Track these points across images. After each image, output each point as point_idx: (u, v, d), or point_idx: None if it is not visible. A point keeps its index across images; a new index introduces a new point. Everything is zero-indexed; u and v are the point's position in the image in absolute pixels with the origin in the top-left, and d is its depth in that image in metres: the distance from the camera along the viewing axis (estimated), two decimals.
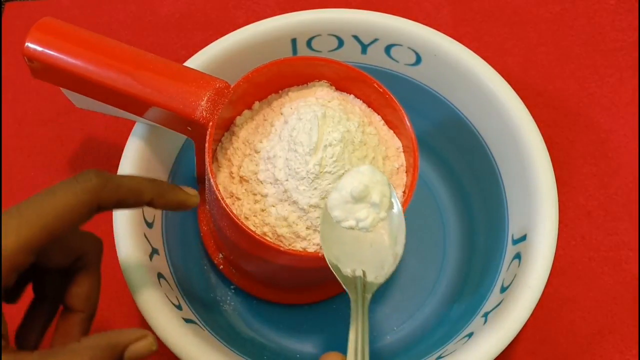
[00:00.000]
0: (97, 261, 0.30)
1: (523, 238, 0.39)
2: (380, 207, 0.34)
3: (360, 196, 0.33)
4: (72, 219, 0.26)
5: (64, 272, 0.30)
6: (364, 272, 0.32)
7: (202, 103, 0.36)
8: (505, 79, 0.42)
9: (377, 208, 0.34)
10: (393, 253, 0.33)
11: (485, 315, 0.38)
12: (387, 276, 0.32)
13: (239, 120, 0.39)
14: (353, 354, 0.28)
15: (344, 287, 0.31)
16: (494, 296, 0.39)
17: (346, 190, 0.33)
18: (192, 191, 0.32)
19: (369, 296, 0.31)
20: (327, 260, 0.32)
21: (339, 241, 0.33)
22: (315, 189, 0.35)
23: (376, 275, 0.32)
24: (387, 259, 0.33)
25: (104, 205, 0.27)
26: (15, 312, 0.30)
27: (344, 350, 0.29)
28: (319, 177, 0.34)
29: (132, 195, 0.29)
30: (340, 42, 0.44)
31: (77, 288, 0.30)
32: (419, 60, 0.44)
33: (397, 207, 0.34)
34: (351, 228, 0.34)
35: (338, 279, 0.31)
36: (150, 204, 0.30)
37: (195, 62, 0.41)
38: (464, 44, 0.43)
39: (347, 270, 0.32)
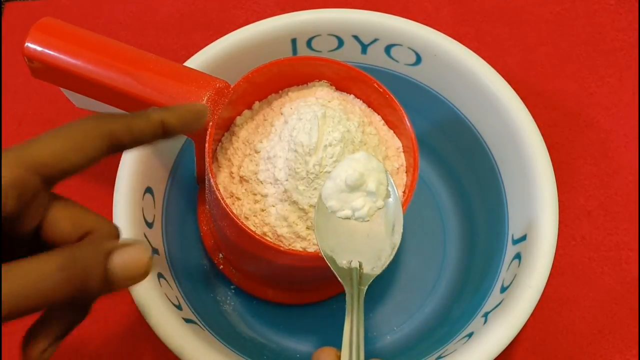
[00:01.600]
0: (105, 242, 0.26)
1: (523, 238, 0.39)
2: (377, 196, 0.33)
3: (355, 184, 0.32)
4: (83, 143, 0.24)
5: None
6: (360, 264, 0.31)
7: (202, 103, 0.36)
8: (505, 79, 0.42)
9: (373, 196, 0.33)
10: (390, 243, 0.32)
11: (485, 315, 0.38)
12: (384, 267, 0.31)
13: (239, 120, 0.39)
14: (348, 347, 0.27)
15: (339, 279, 0.30)
16: (494, 296, 0.39)
17: (341, 178, 0.32)
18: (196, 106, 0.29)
19: (364, 288, 0.30)
20: (321, 251, 0.31)
21: (334, 232, 0.32)
22: (315, 189, 0.35)
23: (373, 266, 0.31)
24: (384, 249, 0.32)
25: (116, 131, 0.25)
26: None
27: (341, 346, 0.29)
28: (319, 177, 0.34)
29: (140, 117, 0.26)
30: (340, 42, 0.44)
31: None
32: (419, 60, 0.44)
33: (394, 196, 0.33)
34: (347, 218, 0.33)
35: (333, 270, 0.31)
36: (167, 128, 0.27)
37: (195, 62, 0.41)
38: (464, 44, 0.43)
39: (342, 261, 0.31)
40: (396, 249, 0.32)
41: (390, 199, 0.33)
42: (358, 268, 0.31)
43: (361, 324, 0.28)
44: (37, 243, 0.25)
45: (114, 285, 0.23)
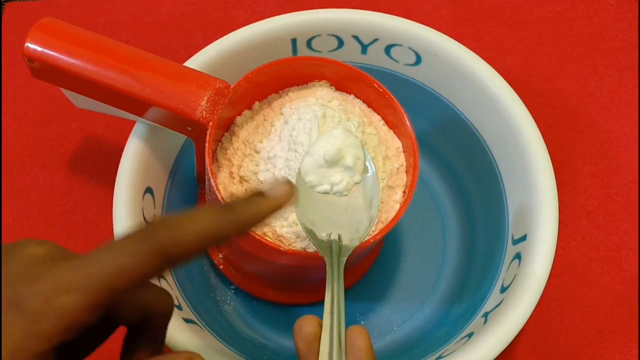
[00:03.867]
0: (163, 325, 0.27)
1: (523, 238, 0.39)
2: (355, 171, 0.34)
3: (333, 160, 0.33)
4: (136, 279, 0.23)
5: (135, 329, 0.27)
6: (339, 236, 0.32)
7: (202, 103, 0.36)
8: (505, 79, 0.42)
9: (351, 171, 0.34)
10: (368, 216, 0.33)
11: (485, 315, 0.38)
12: (363, 239, 0.32)
13: (239, 120, 0.39)
14: (329, 314, 0.28)
15: (319, 251, 0.31)
16: (494, 296, 0.39)
17: (319, 154, 0.33)
18: (280, 187, 0.27)
19: (344, 259, 0.31)
20: (301, 225, 0.32)
21: (313, 206, 0.33)
22: None
23: (352, 238, 0.32)
24: (363, 222, 0.33)
25: (175, 260, 0.24)
26: None
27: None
28: None
29: (206, 241, 0.24)
30: (340, 42, 0.44)
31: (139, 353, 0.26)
32: (419, 60, 0.44)
33: (372, 170, 0.34)
34: (326, 192, 0.34)
35: (313, 243, 0.32)
36: (238, 233, 0.25)
37: (195, 62, 0.41)
38: (464, 44, 0.43)
39: (322, 234, 0.32)
40: (374, 221, 0.33)
41: (368, 174, 0.34)
42: (337, 240, 0.32)
43: (341, 292, 0.29)
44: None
45: None
